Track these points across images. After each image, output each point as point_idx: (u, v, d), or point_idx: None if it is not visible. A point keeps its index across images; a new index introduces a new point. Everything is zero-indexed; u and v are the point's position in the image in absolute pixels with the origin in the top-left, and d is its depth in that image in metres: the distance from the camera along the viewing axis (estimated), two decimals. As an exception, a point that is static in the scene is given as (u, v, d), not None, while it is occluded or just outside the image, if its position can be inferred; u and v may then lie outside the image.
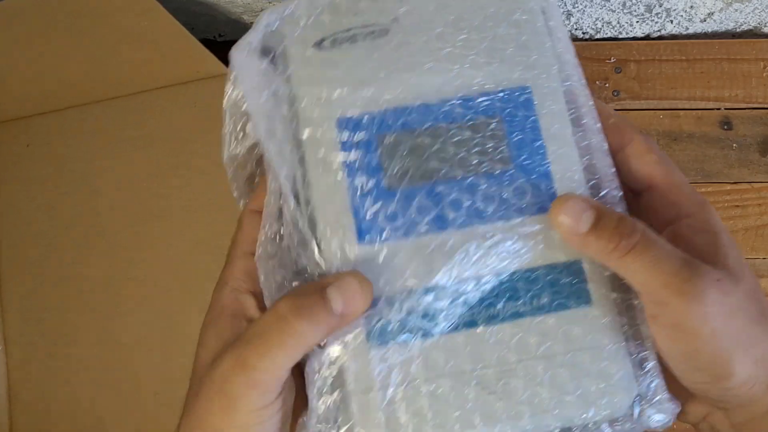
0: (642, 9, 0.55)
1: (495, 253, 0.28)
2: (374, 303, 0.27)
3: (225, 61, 0.47)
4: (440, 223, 0.28)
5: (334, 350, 0.27)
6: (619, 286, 0.28)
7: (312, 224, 0.29)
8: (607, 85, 0.58)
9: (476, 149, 0.29)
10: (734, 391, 0.27)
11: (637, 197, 0.30)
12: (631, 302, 0.28)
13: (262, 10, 0.52)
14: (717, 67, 0.58)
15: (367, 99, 0.29)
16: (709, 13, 0.55)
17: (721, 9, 0.55)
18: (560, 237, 0.28)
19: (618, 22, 0.57)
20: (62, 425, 0.48)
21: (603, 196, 0.29)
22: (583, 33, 0.59)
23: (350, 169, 0.29)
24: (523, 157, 0.29)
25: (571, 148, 0.29)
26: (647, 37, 0.59)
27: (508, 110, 0.30)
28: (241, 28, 0.56)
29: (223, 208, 0.47)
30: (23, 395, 0.48)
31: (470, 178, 0.29)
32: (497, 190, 0.29)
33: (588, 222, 0.27)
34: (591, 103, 0.30)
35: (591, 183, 0.29)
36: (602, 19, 0.57)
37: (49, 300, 0.49)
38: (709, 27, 0.58)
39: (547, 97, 0.30)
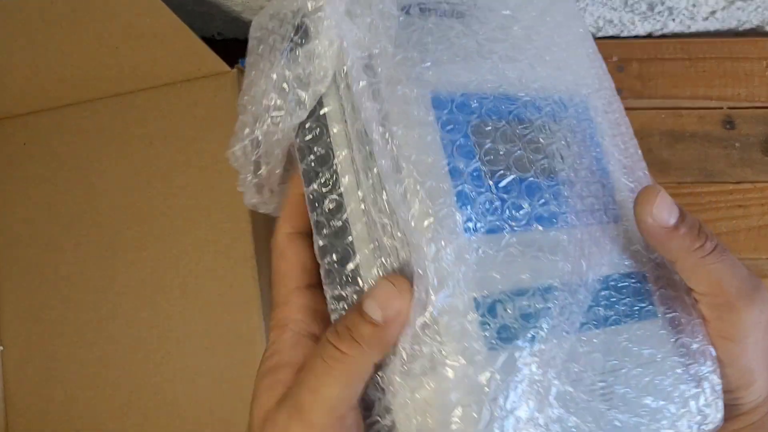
0: (644, 7, 0.54)
1: (598, 254, 0.27)
2: (489, 305, 0.24)
3: (225, 59, 0.47)
4: (545, 220, 0.27)
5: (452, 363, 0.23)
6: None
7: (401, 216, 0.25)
8: (609, 83, 0.58)
9: (561, 148, 0.28)
10: (743, 400, 0.28)
11: None
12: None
13: (261, 8, 0.52)
14: (720, 66, 0.58)
15: (457, 80, 0.27)
16: (711, 12, 0.55)
17: (724, 7, 0.54)
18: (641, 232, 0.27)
19: (620, 21, 0.57)
20: (59, 426, 0.47)
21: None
22: (585, 31, 0.59)
23: (450, 153, 0.26)
24: (598, 161, 0.29)
25: (635, 155, 0.30)
26: (649, 36, 0.59)
27: (575, 113, 0.29)
28: (240, 26, 0.56)
29: (226, 207, 0.46)
30: (20, 395, 0.48)
31: (562, 176, 0.28)
32: (588, 192, 0.28)
33: (675, 216, 0.27)
34: (621, 106, 0.31)
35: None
36: (604, 17, 0.56)
37: (47, 299, 0.49)
38: (712, 25, 0.58)
39: (608, 100, 0.30)
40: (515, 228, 0.26)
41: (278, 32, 0.28)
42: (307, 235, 0.29)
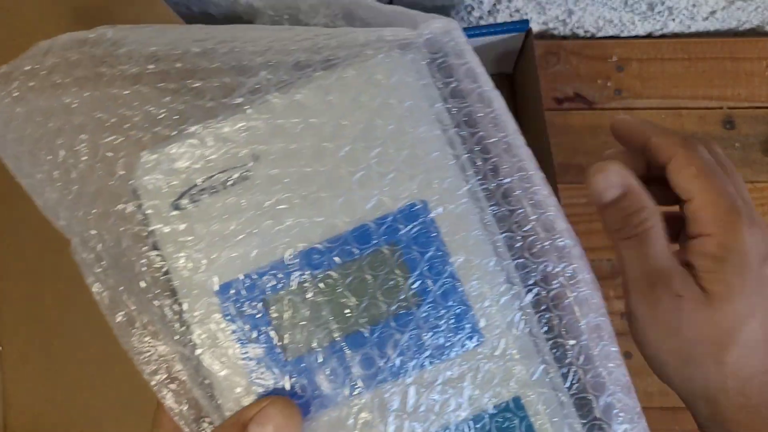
0: (644, 7, 0.54)
1: (431, 407, 0.24)
2: None
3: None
4: (354, 387, 0.25)
5: None
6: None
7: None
8: (608, 84, 0.58)
9: (380, 289, 0.25)
10: (729, 368, 0.28)
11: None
12: None
13: (264, 7, 0.52)
14: (719, 66, 0.58)
15: (242, 259, 0.25)
16: (711, 12, 0.55)
17: (724, 7, 0.55)
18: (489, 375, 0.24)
19: (620, 21, 0.57)
20: (58, 426, 0.47)
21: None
22: (585, 31, 0.59)
23: (242, 342, 0.25)
24: (433, 287, 0.25)
25: (486, 255, 0.25)
26: (649, 36, 0.59)
27: (407, 231, 0.25)
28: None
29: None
30: (19, 395, 0.48)
31: (380, 328, 0.25)
32: (413, 334, 0.25)
33: (611, 196, 0.29)
34: (525, 160, 0.27)
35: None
36: (604, 17, 0.57)
37: (46, 299, 0.48)
38: (712, 25, 0.58)
39: (447, 204, 0.25)
40: (320, 407, 0.25)
41: None
42: None
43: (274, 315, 0.25)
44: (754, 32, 0.59)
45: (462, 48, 0.28)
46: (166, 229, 0.26)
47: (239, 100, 0.27)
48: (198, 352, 0.26)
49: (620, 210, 0.29)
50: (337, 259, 0.25)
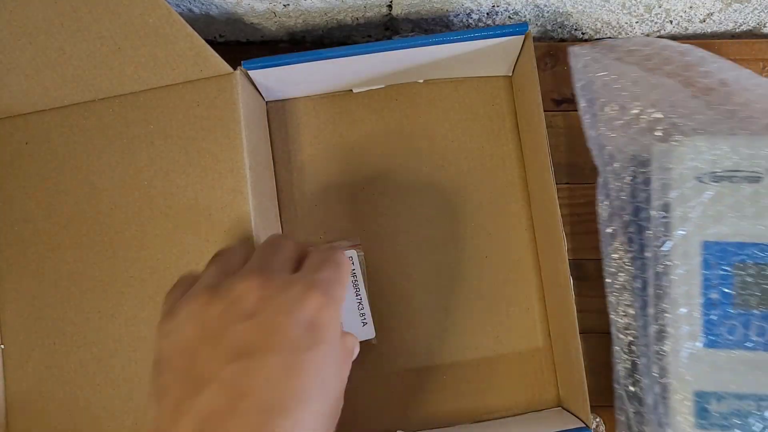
0: (641, 9, 0.55)
1: None
2: (706, 396, 0.36)
3: (228, 61, 0.47)
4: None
5: None
6: None
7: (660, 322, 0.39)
8: (606, 85, 0.59)
9: None
10: None
11: None
12: None
13: (267, 9, 0.52)
14: (716, 68, 0.58)
15: (734, 233, 0.38)
16: (708, 14, 0.56)
17: (721, 9, 0.55)
18: None
19: (617, 23, 0.57)
20: (59, 425, 0.47)
21: None
22: (582, 34, 0.60)
23: (707, 285, 0.37)
24: None
25: None
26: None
27: None
28: (242, 28, 0.56)
29: (226, 208, 0.46)
30: (20, 394, 0.48)
31: None
32: None
33: None
34: None
35: None
36: (601, 19, 0.57)
37: (48, 299, 0.49)
38: (709, 28, 0.58)
39: None
40: (743, 348, 0.37)
41: None
42: None
43: (738, 279, 0.38)
44: (751, 34, 0.60)
45: None
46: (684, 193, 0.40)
47: None
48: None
49: None
50: None
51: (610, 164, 0.47)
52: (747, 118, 0.44)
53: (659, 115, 0.47)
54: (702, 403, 0.36)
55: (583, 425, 0.43)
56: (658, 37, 0.59)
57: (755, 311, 0.37)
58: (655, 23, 0.57)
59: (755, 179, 0.38)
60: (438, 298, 0.53)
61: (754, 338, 0.36)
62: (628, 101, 0.48)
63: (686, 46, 0.51)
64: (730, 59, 0.57)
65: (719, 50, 0.58)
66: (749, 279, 0.37)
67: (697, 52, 0.50)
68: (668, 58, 0.51)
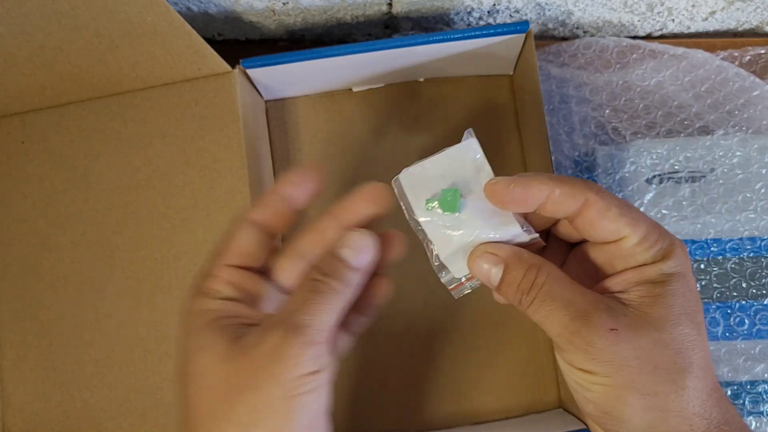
0: (643, 8, 0.54)
1: None
2: None
3: (226, 59, 0.46)
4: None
5: None
6: None
7: None
8: (608, 84, 0.58)
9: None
10: (690, 392, 0.28)
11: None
12: None
13: (266, 8, 0.52)
14: (718, 67, 0.58)
15: (674, 231, 0.38)
16: (711, 12, 0.55)
17: (723, 8, 0.55)
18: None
19: (619, 21, 0.57)
20: (56, 426, 0.47)
21: None
22: (584, 32, 0.59)
23: None
24: None
25: None
26: (649, 36, 0.59)
27: None
28: (241, 27, 0.56)
29: (225, 207, 0.46)
30: (17, 395, 0.47)
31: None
32: None
33: (497, 277, 0.31)
34: None
35: None
36: (603, 18, 0.56)
37: (44, 299, 0.48)
38: (711, 26, 0.58)
39: None
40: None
41: None
42: (267, 234, 0.33)
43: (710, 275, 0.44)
44: (753, 32, 0.59)
45: None
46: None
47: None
48: None
49: (510, 286, 0.31)
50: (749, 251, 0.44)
51: (558, 170, 0.50)
52: (685, 120, 0.48)
53: (601, 120, 0.49)
54: None
55: (584, 427, 0.43)
56: (660, 36, 0.59)
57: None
58: (657, 21, 0.57)
59: (695, 179, 0.42)
60: (438, 298, 0.53)
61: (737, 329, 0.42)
62: (573, 107, 0.51)
63: (626, 44, 0.54)
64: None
65: (721, 49, 0.58)
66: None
67: (636, 51, 0.54)
68: (608, 61, 0.54)
